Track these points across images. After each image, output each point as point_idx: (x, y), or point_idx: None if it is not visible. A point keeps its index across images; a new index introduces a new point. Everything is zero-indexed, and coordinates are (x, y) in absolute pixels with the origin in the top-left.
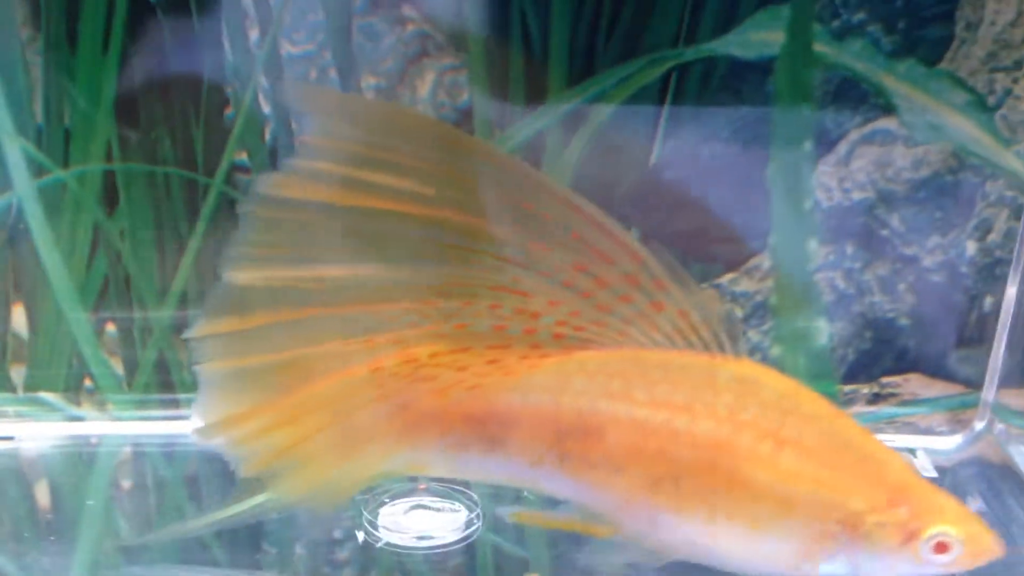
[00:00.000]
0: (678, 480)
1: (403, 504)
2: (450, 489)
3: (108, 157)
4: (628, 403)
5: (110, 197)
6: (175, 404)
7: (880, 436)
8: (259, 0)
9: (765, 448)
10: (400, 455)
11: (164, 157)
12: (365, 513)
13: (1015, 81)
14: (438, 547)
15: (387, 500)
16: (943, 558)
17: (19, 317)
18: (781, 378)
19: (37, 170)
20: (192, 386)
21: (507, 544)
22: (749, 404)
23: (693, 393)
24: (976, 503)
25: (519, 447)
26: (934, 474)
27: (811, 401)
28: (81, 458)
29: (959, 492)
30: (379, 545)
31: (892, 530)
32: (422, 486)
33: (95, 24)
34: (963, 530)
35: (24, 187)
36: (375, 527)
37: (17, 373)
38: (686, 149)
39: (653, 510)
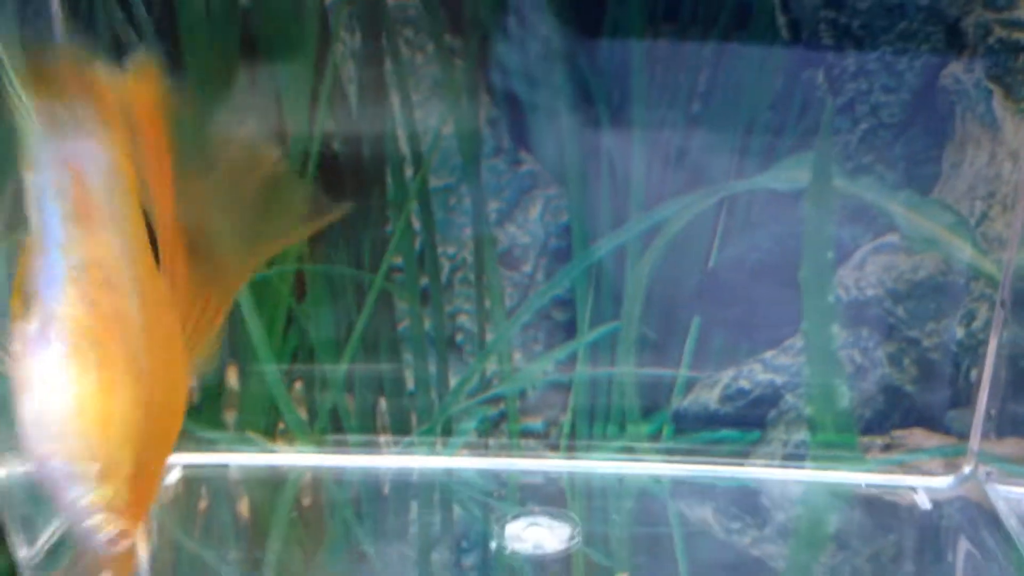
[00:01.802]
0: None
1: (523, 521)
2: (558, 511)
3: (300, 260)
4: None
5: (300, 288)
6: (345, 443)
7: (890, 477)
8: (414, 148)
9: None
10: None
11: (339, 260)
12: (496, 529)
13: (989, 207)
14: (548, 555)
15: (510, 519)
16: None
17: (232, 375)
18: None
19: None
20: (357, 428)
21: (597, 554)
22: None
23: None
24: (960, 531)
25: None
26: (930, 507)
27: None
28: (274, 481)
29: (950, 521)
30: (506, 553)
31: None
32: (536, 509)
33: (294, 164)
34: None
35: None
36: (503, 538)
37: (229, 416)
38: (736, 257)
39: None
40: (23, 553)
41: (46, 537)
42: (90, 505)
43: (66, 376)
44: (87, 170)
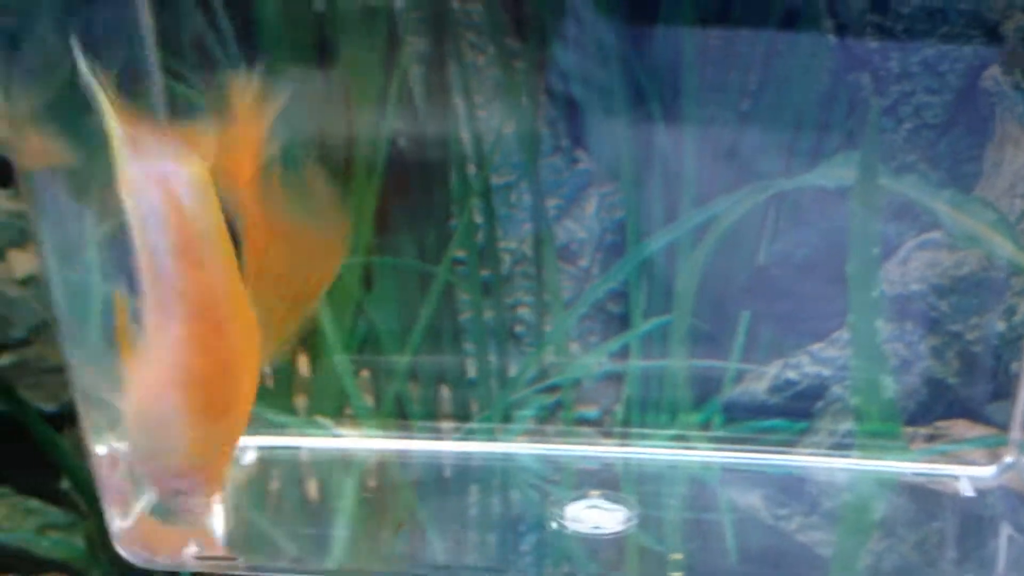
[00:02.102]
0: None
1: (583, 503)
2: (615, 494)
3: (368, 253)
4: None
5: (368, 281)
6: (408, 427)
7: (933, 466)
8: (477, 147)
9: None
10: None
11: (405, 253)
12: (557, 510)
13: None
14: (606, 534)
15: (570, 500)
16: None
17: (303, 363)
18: None
19: None
20: (420, 414)
21: (650, 537)
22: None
23: None
24: (1002, 518)
25: None
26: (974, 494)
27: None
28: (341, 463)
29: (992, 509)
30: (566, 532)
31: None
32: (596, 492)
33: (363, 163)
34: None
35: None
36: (563, 519)
37: (300, 402)
38: (785, 252)
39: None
40: (118, 524)
41: (139, 509)
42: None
43: (172, 408)
44: (178, 191)
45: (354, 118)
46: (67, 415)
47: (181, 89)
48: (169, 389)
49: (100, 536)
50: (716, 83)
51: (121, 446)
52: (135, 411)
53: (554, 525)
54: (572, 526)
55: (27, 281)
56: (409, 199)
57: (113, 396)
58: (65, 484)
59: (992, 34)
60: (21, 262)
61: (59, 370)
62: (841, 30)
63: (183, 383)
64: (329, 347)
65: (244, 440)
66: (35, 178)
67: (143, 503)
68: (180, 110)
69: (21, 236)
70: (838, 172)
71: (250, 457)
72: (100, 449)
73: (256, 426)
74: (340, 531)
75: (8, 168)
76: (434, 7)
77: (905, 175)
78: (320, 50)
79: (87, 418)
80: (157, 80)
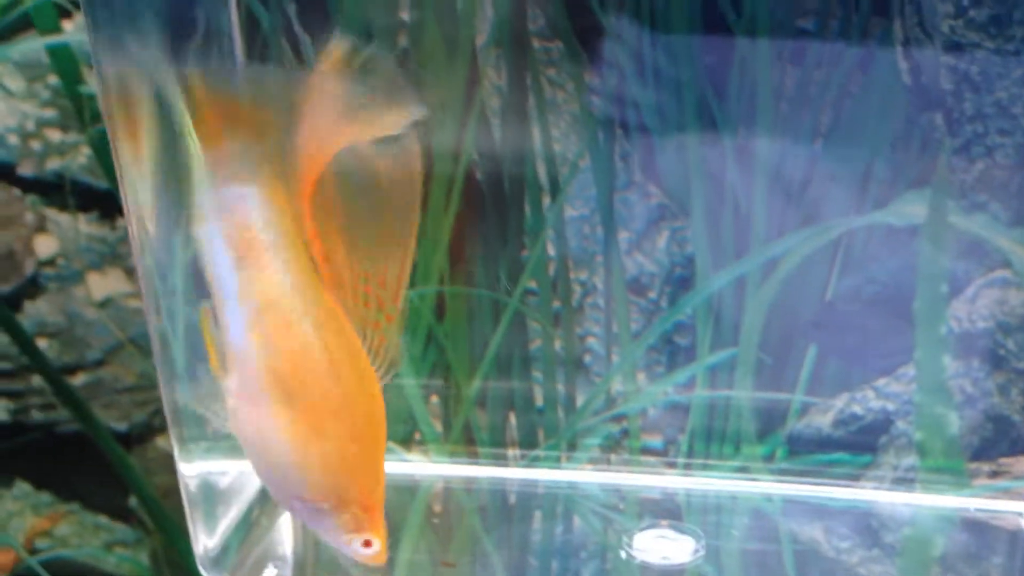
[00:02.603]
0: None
1: (652, 533)
2: (683, 525)
3: (441, 282)
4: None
5: (440, 310)
6: (475, 454)
7: (995, 502)
8: (552, 180)
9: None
10: None
11: (478, 283)
12: (625, 539)
13: None
14: (674, 565)
15: (640, 529)
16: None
17: None
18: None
19: None
20: (488, 441)
21: (716, 568)
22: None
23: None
24: None
25: None
26: None
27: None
28: (409, 488)
29: None
30: (635, 562)
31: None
32: (664, 522)
33: (440, 193)
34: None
35: None
36: (632, 548)
37: None
38: (853, 288)
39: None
40: (202, 545)
41: (223, 530)
42: (339, 530)
43: (274, 424)
44: (248, 214)
45: (433, 152)
46: (136, 434)
47: None
48: (269, 409)
49: (165, 553)
50: (789, 122)
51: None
52: (244, 436)
53: (623, 554)
54: (640, 556)
55: (105, 303)
56: (483, 231)
57: (213, 416)
58: (132, 502)
59: None
60: (99, 285)
61: (132, 390)
62: (915, 72)
63: (282, 401)
64: (400, 373)
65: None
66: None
67: (230, 522)
68: None
69: (100, 260)
70: (908, 210)
71: None
72: (187, 468)
73: None
74: (405, 555)
75: (90, 194)
76: (515, 44)
77: (975, 214)
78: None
79: (178, 436)
80: None
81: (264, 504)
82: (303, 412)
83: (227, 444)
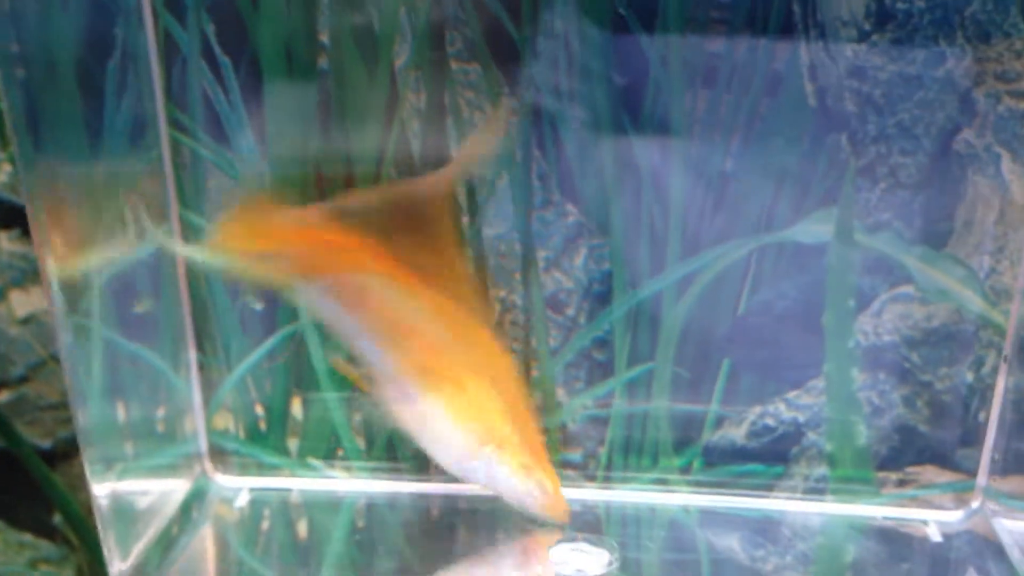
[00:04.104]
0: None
1: (567, 546)
2: (598, 538)
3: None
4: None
5: None
6: (397, 470)
7: (903, 510)
8: (471, 199)
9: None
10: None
11: None
12: (541, 552)
13: (997, 261)
14: None
15: (555, 543)
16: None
17: (297, 405)
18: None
19: None
20: (410, 456)
21: None
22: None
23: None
24: (968, 562)
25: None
26: (940, 540)
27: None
28: (332, 505)
29: (959, 553)
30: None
31: (513, 459)
32: (579, 535)
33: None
34: (554, 488)
35: (306, 319)
36: (547, 561)
37: (293, 443)
38: (765, 303)
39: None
40: (116, 567)
41: (137, 552)
42: (507, 472)
43: (427, 405)
44: (350, 291)
45: (353, 170)
46: (60, 451)
47: (188, 141)
48: (420, 398)
49: (90, 570)
50: (701, 143)
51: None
52: (410, 427)
53: (539, 569)
54: (557, 569)
55: (27, 320)
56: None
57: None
58: (57, 519)
59: (965, 99)
60: (22, 302)
61: (55, 407)
62: (820, 94)
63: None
64: (323, 388)
65: (240, 481)
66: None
67: (143, 544)
68: (185, 162)
69: (22, 277)
70: (817, 228)
71: (243, 499)
72: (99, 489)
73: (248, 468)
74: (327, 572)
75: (12, 211)
76: (433, 66)
77: (880, 232)
78: (323, 105)
79: (88, 457)
80: (164, 131)
81: (184, 523)
82: (445, 383)
83: (146, 464)
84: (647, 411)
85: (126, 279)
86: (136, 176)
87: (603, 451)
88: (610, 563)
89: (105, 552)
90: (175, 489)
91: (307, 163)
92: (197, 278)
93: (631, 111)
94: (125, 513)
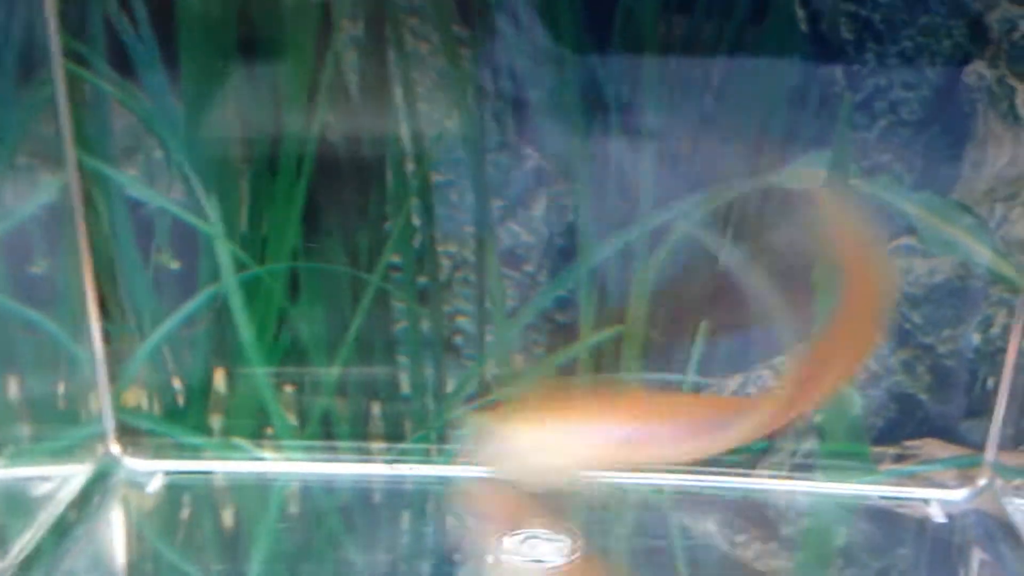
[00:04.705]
0: None
1: (521, 534)
2: (559, 524)
3: (294, 257)
4: None
5: (294, 288)
6: (334, 449)
7: (902, 488)
8: (416, 142)
9: None
10: None
11: (335, 258)
12: (491, 542)
13: (1010, 209)
14: (546, 568)
15: (510, 531)
16: None
17: (219, 378)
18: None
19: (240, 267)
20: (349, 434)
21: (597, 569)
22: None
23: None
24: (975, 545)
25: None
26: (944, 520)
27: None
28: (261, 489)
29: (964, 535)
30: (504, 567)
31: None
32: (537, 522)
33: (290, 159)
34: None
35: (229, 280)
36: (499, 551)
37: (215, 421)
38: (746, 259)
39: None
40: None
41: (19, 548)
42: None
43: None
44: None
45: (281, 111)
46: None
47: (88, 75)
48: None
49: None
50: (677, 77)
51: None
52: None
53: (490, 559)
54: (511, 559)
55: None
56: (340, 199)
57: None
58: None
59: (976, 25)
60: None
61: None
62: (813, 20)
63: None
64: (249, 360)
65: (154, 464)
66: None
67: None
68: (85, 100)
69: None
70: (807, 173)
71: (156, 483)
72: None
73: (163, 449)
74: (256, 566)
75: None
76: None
77: (878, 176)
78: (245, 36)
79: None
80: (59, 65)
81: (83, 512)
82: None
83: (43, 447)
84: (616, 380)
85: (18, 236)
86: (27, 117)
87: None
88: (573, 551)
89: None
90: (76, 474)
91: (227, 102)
92: (100, 234)
93: (599, 41)
94: (16, 502)
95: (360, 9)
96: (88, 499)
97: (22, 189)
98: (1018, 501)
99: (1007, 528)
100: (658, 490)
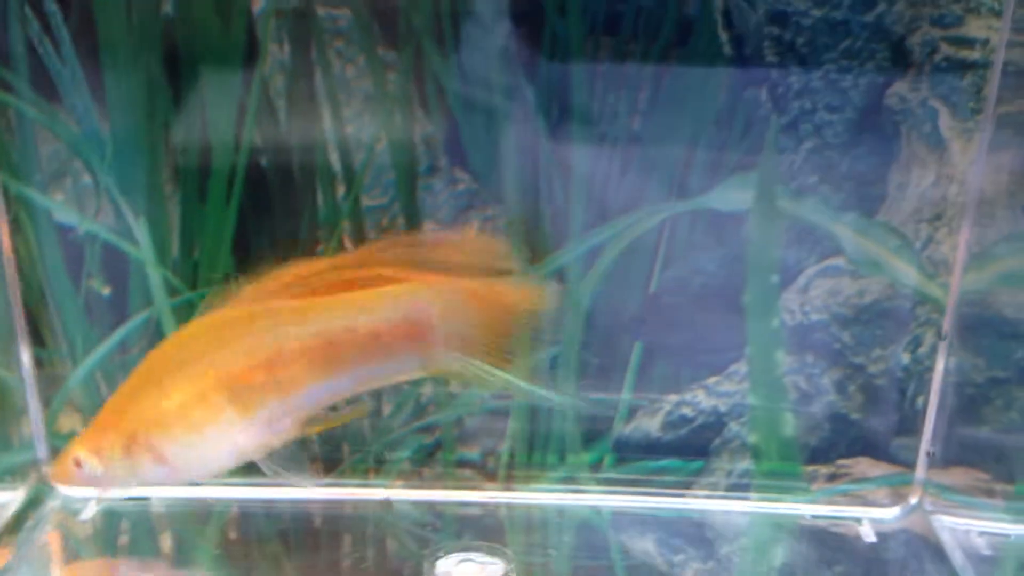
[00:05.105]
0: None
1: (455, 557)
2: (492, 546)
3: (227, 282)
4: None
5: None
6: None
7: (835, 507)
8: (345, 166)
9: None
10: None
11: None
12: (426, 564)
13: (935, 229)
14: None
15: (442, 554)
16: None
17: None
18: None
19: (172, 291)
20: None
21: None
22: None
23: None
24: (905, 565)
25: None
26: (875, 540)
27: None
28: (199, 515)
29: (895, 554)
30: None
31: None
32: (470, 544)
33: (220, 184)
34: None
35: (162, 304)
36: (434, 574)
37: None
38: (679, 280)
39: None
40: None
41: None
42: None
43: None
44: None
45: (209, 134)
46: None
47: (11, 100)
48: None
49: None
50: (605, 100)
51: None
52: None
53: None
54: None
55: None
56: (271, 223)
57: None
58: None
59: (898, 48)
60: None
61: None
62: (737, 43)
63: None
64: None
65: (86, 491)
66: None
67: None
68: (10, 125)
69: None
70: (735, 194)
71: (91, 510)
72: None
73: None
74: None
75: None
76: (297, 12)
77: (805, 197)
78: (170, 59)
79: None
80: None
81: (13, 540)
82: None
83: None
84: (552, 402)
85: None
86: None
87: (504, 448)
88: (506, 574)
89: None
90: (9, 501)
91: (154, 126)
92: (30, 260)
93: (526, 63)
94: None
95: (286, 32)
96: (20, 525)
97: None
98: (947, 519)
99: (936, 548)
100: (596, 511)
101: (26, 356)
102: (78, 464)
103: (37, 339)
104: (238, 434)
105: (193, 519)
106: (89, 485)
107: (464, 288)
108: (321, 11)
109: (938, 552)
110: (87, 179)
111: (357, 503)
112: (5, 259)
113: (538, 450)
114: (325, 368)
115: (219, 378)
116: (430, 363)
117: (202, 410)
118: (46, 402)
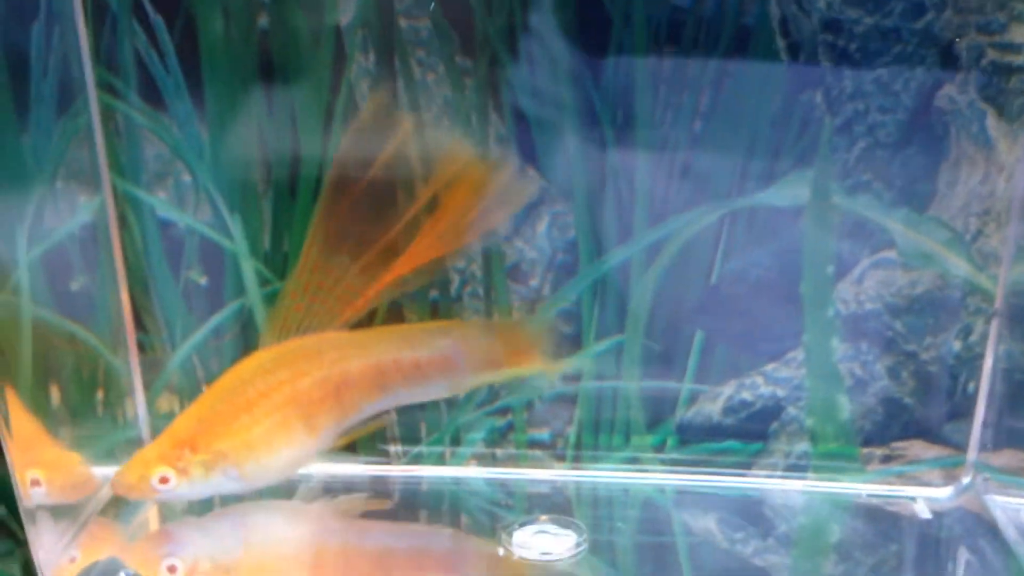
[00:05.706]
0: None
1: (531, 528)
2: (564, 519)
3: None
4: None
5: None
6: (353, 451)
7: (890, 487)
8: (425, 164)
9: None
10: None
11: None
12: (504, 536)
13: (984, 223)
14: (554, 561)
15: (518, 526)
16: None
17: None
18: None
19: (263, 282)
20: (368, 437)
21: (602, 562)
22: None
23: None
24: (960, 540)
25: None
26: (930, 516)
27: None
28: (285, 489)
29: (949, 531)
30: (513, 559)
31: None
32: (543, 517)
33: (308, 183)
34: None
35: (254, 293)
36: (511, 545)
37: None
38: (738, 272)
39: None
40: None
41: (66, 543)
42: None
43: None
44: None
45: (299, 136)
46: None
47: (120, 106)
48: None
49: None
50: (668, 103)
51: None
52: None
53: (501, 552)
54: (520, 552)
55: None
56: (355, 218)
57: None
58: (2, 512)
59: (946, 53)
60: None
61: None
62: (793, 50)
63: None
64: None
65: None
66: None
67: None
68: (119, 129)
69: None
70: (791, 191)
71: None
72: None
73: None
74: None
75: None
76: (381, 24)
77: (859, 194)
78: (264, 68)
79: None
80: (93, 96)
81: (119, 514)
82: None
83: (84, 451)
84: (617, 387)
85: (58, 255)
86: (65, 145)
87: (572, 430)
88: (578, 545)
89: (32, 546)
90: None
91: (249, 128)
92: (135, 253)
93: (593, 70)
94: (56, 504)
95: (371, 42)
96: (124, 501)
97: (61, 211)
98: (999, 498)
99: (989, 524)
100: (660, 489)
101: (131, 341)
102: (164, 482)
103: (140, 326)
104: (302, 450)
105: (280, 493)
106: (158, 498)
107: (485, 327)
108: (403, 23)
109: (992, 528)
110: (187, 179)
111: (433, 480)
112: (114, 251)
113: (604, 432)
114: (376, 392)
115: (299, 406)
116: (455, 387)
117: (283, 434)
118: (147, 385)
